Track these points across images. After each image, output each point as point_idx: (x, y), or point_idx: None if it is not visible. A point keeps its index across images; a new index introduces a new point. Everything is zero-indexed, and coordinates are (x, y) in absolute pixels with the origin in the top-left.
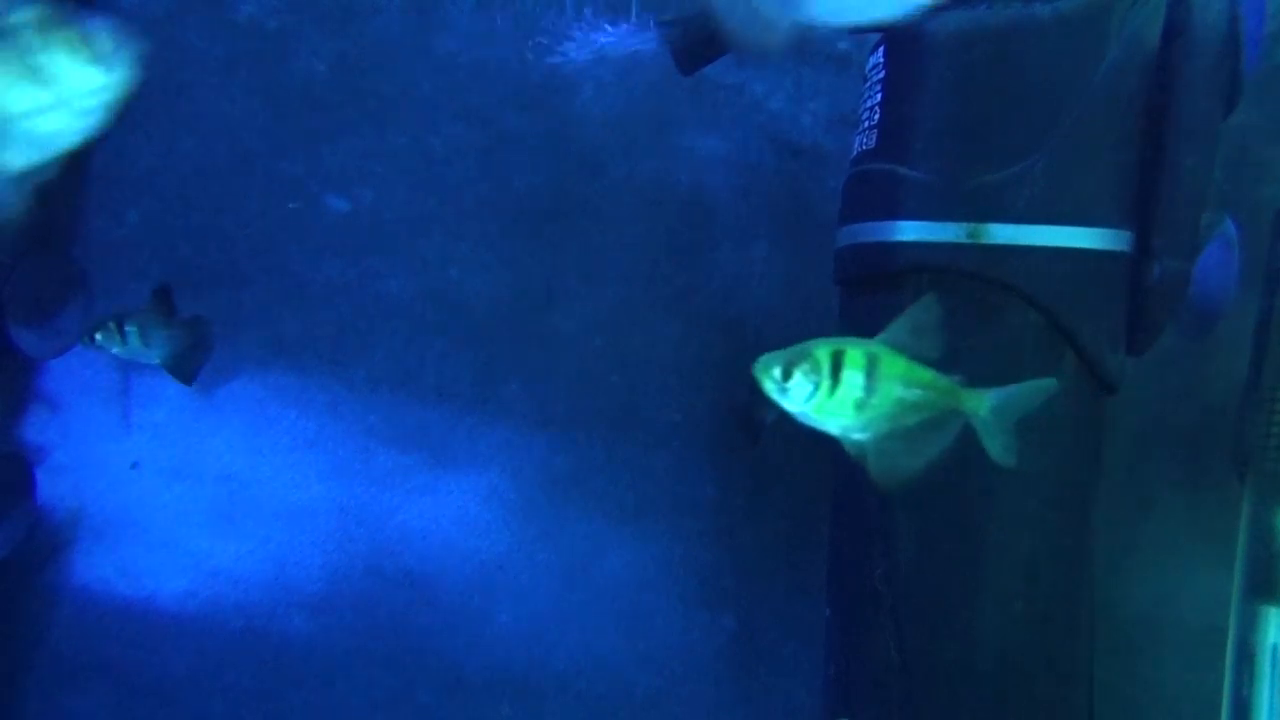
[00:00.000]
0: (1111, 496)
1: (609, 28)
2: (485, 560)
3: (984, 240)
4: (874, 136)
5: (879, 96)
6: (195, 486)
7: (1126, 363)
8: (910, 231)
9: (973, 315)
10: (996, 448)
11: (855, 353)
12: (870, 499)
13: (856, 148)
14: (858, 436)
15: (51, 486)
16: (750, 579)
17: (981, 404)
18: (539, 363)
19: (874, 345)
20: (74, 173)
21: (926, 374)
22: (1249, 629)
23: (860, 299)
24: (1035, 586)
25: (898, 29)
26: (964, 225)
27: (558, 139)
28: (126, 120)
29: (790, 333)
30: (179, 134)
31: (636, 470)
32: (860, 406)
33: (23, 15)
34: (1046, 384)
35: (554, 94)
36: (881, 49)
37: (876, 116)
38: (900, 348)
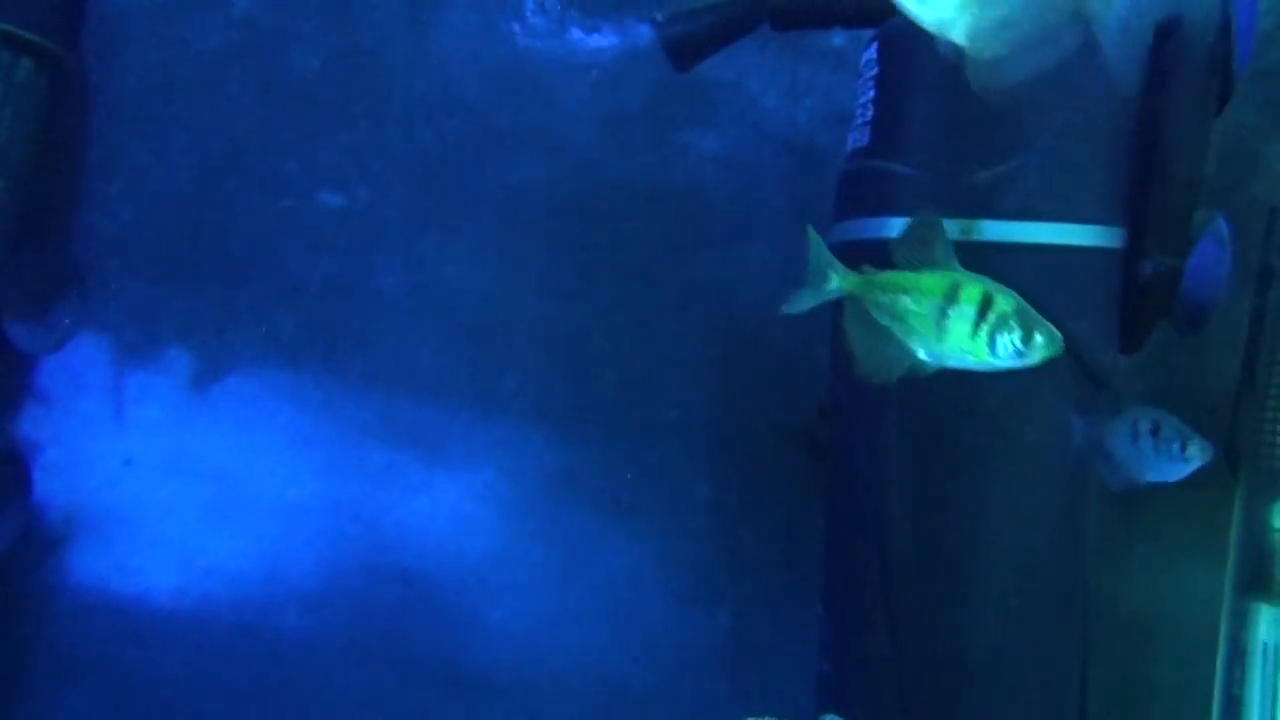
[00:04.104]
0: (1105, 493)
1: (605, 25)
2: (480, 557)
3: (976, 237)
4: (867, 133)
5: (872, 93)
6: (189, 483)
7: (1119, 360)
8: (903, 228)
9: None
10: None
11: None
12: (864, 496)
13: (850, 144)
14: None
15: (45, 483)
16: (745, 576)
17: None
18: (535, 360)
19: None
20: (69, 168)
21: None
22: (1241, 625)
23: None
24: (1029, 584)
25: (891, 26)
26: (956, 222)
27: (554, 136)
28: (121, 116)
29: (787, 330)
30: (173, 130)
31: (632, 467)
32: None
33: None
34: None
35: (550, 91)
36: (875, 45)
37: (869, 113)
38: (909, 263)
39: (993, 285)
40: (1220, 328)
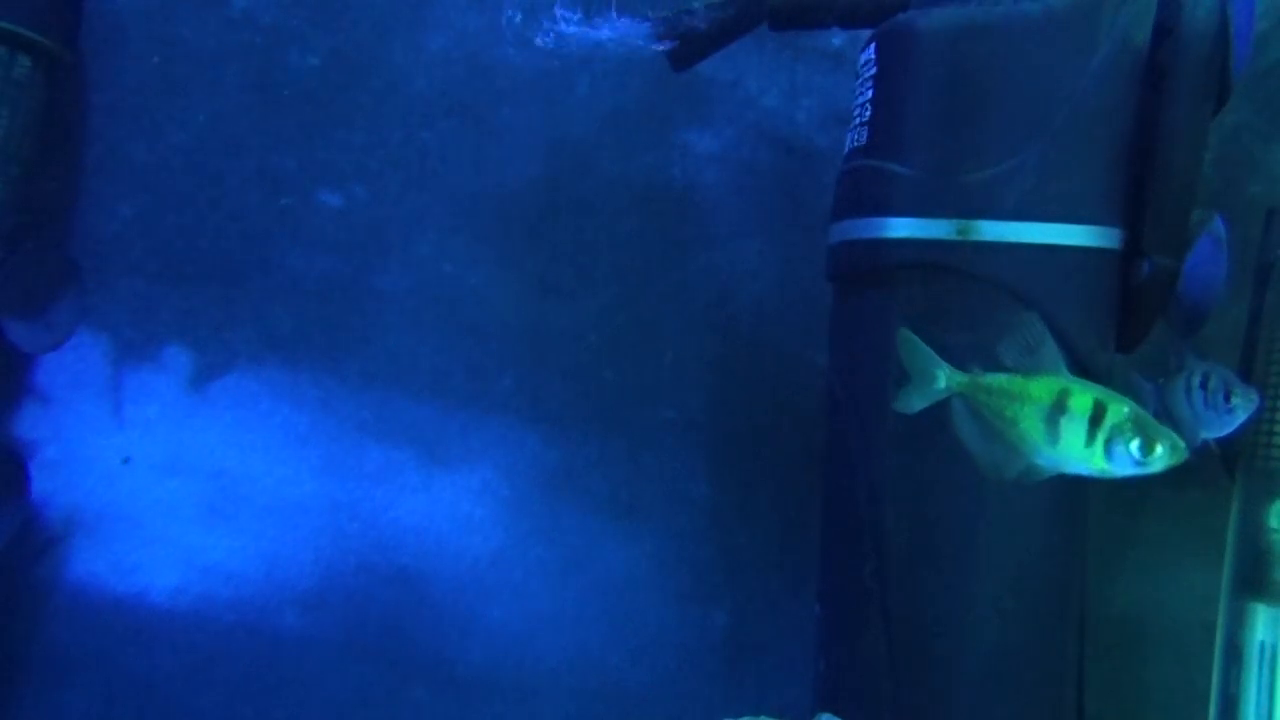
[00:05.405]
0: (1102, 493)
1: (602, 24)
2: (478, 557)
3: (973, 237)
4: (865, 133)
5: (870, 93)
6: (187, 482)
7: (1115, 360)
8: (900, 228)
9: (962, 312)
10: None
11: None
12: (860, 496)
13: (848, 144)
14: None
15: (43, 482)
16: (742, 575)
17: None
18: (532, 359)
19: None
20: (67, 166)
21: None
22: (1237, 626)
23: (853, 295)
24: (1026, 584)
25: (889, 25)
26: (954, 222)
27: (551, 135)
28: (119, 113)
29: (785, 330)
30: (171, 128)
31: (630, 467)
32: None
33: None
34: None
35: (548, 90)
36: (873, 45)
37: (867, 113)
38: (1016, 366)
39: (1104, 392)
40: (1218, 328)
